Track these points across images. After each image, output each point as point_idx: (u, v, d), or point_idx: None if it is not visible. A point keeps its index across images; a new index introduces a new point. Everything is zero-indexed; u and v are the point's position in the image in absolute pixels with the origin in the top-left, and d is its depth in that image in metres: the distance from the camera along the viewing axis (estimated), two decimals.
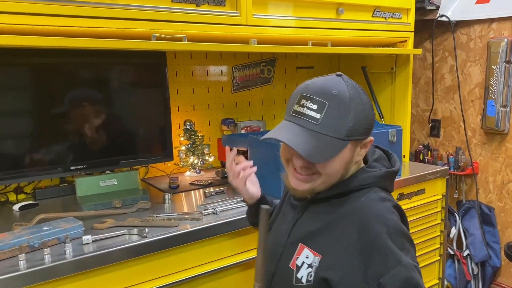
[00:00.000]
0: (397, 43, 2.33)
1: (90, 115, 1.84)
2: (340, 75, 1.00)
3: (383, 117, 2.43)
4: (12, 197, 1.82)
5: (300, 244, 1.04)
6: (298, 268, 1.02)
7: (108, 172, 1.89)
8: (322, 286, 0.97)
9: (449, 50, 2.77)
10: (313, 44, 1.89)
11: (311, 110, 0.95)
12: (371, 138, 1.03)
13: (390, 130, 2.00)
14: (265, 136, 1.00)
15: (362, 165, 1.08)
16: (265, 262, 1.06)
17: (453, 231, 2.72)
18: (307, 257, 1.01)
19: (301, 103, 0.97)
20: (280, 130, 0.99)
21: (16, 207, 1.70)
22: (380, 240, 0.94)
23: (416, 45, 2.43)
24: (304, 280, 1.00)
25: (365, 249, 0.94)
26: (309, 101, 0.96)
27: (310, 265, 1.00)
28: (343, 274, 0.95)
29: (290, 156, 1.01)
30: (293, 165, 1.02)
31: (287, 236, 1.07)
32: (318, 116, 0.95)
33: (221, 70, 2.35)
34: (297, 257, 1.03)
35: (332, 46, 1.95)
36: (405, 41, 2.30)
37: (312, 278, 0.99)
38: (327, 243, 1.00)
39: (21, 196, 1.84)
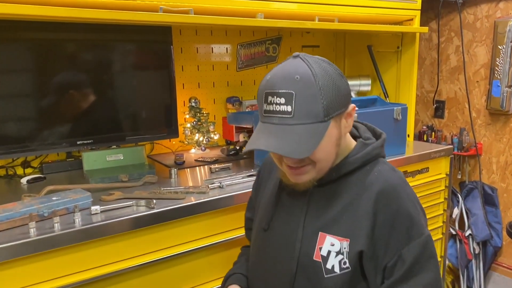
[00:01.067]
0: (404, 21, 2.32)
1: (96, 92, 1.84)
2: (297, 56, 0.95)
3: (388, 97, 2.43)
4: (19, 171, 1.84)
5: (320, 233, 0.99)
6: (325, 258, 0.97)
7: (115, 147, 1.90)
8: (358, 266, 0.96)
9: (455, 30, 2.76)
10: (319, 20, 1.88)
11: (281, 105, 0.91)
12: (352, 105, 0.99)
13: (395, 108, 2.00)
14: (247, 147, 0.97)
15: (352, 140, 1.06)
16: (279, 263, 1.03)
17: (456, 211, 2.74)
18: (332, 245, 0.97)
19: (268, 101, 0.93)
20: (258, 137, 0.95)
21: (24, 180, 1.71)
22: (403, 211, 0.95)
23: (422, 26, 2.41)
24: (337, 269, 0.96)
25: (388, 220, 0.95)
26: (275, 97, 0.91)
27: (339, 252, 0.96)
28: (374, 248, 0.95)
29: (279, 156, 0.99)
30: (286, 162, 0.98)
31: (302, 229, 1.01)
32: (289, 108, 0.90)
33: (226, 48, 2.35)
34: (320, 247, 0.98)
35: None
36: (412, 19, 2.29)
37: (347, 265, 0.96)
38: (351, 225, 0.97)
39: (28, 170, 1.85)
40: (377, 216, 0.95)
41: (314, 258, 0.98)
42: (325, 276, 0.97)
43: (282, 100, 0.90)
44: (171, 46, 1.97)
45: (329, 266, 0.97)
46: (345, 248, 0.96)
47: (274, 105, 0.92)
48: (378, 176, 0.99)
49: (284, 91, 0.90)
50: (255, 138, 0.96)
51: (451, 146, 2.30)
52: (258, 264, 1.13)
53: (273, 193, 1.12)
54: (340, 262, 0.96)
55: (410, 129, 2.38)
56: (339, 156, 1.01)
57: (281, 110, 0.91)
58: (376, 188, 0.97)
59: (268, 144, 0.91)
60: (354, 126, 1.11)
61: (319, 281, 0.97)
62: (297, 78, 0.90)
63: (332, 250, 0.97)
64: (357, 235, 0.95)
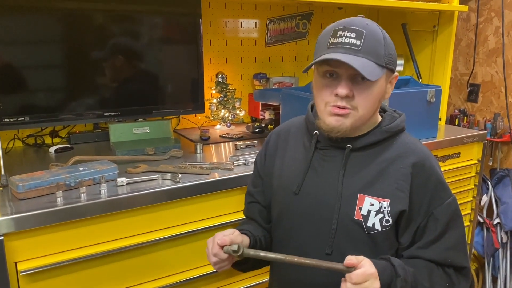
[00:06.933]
0: None
1: (124, 64, 1.82)
2: (360, 16, 1.03)
3: (421, 78, 2.34)
4: (48, 140, 1.86)
5: (359, 194, 1.03)
6: (365, 217, 1.02)
7: (141, 120, 1.89)
8: (394, 224, 1.03)
9: (495, 10, 2.62)
10: None
11: (350, 38, 0.96)
12: (396, 73, 1.06)
13: (429, 89, 1.92)
14: (316, 60, 0.97)
15: (378, 114, 1.11)
16: (315, 224, 1.06)
17: (484, 198, 2.66)
18: (371, 205, 1.02)
19: (337, 35, 0.97)
20: (325, 57, 0.96)
21: (52, 150, 1.73)
22: (435, 176, 1.05)
23: (461, 4, 2.30)
24: (378, 227, 1.02)
25: (423, 184, 1.03)
26: (346, 31, 0.96)
27: (379, 211, 1.02)
28: (409, 209, 1.02)
29: (329, 93, 0.99)
30: (333, 102, 0.99)
31: (341, 189, 1.04)
32: (358, 42, 0.95)
33: (255, 23, 2.29)
34: (360, 207, 1.02)
35: None
36: None
37: (390, 222, 1.02)
38: (389, 186, 1.03)
39: (56, 140, 1.88)
40: (413, 181, 1.03)
41: (354, 218, 1.03)
42: (367, 233, 1.02)
43: (353, 35, 0.96)
44: (200, 19, 1.93)
45: (369, 224, 1.02)
46: (385, 207, 1.02)
47: (343, 38, 0.96)
48: (411, 145, 1.07)
49: (355, 28, 0.96)
50: (320, 58, 0.97)
51: (485, 132, 2.22)
52: (288, 228, 1.12)
53: (302, 159, 1.12)
54: (381, 220, 1.02)
55: (443, 113, 2.29)
56: (369, 124, 1.06)
57: (350, 42, 0.96)
58: (411, 156, 1.05)
59: (340, 58, 0.93)
60: None
61: (359, 239, 1.03)
62: (367, 24, 0.98)
63: (372, 209, 1.02)
64: (398, 196, 1.02)
